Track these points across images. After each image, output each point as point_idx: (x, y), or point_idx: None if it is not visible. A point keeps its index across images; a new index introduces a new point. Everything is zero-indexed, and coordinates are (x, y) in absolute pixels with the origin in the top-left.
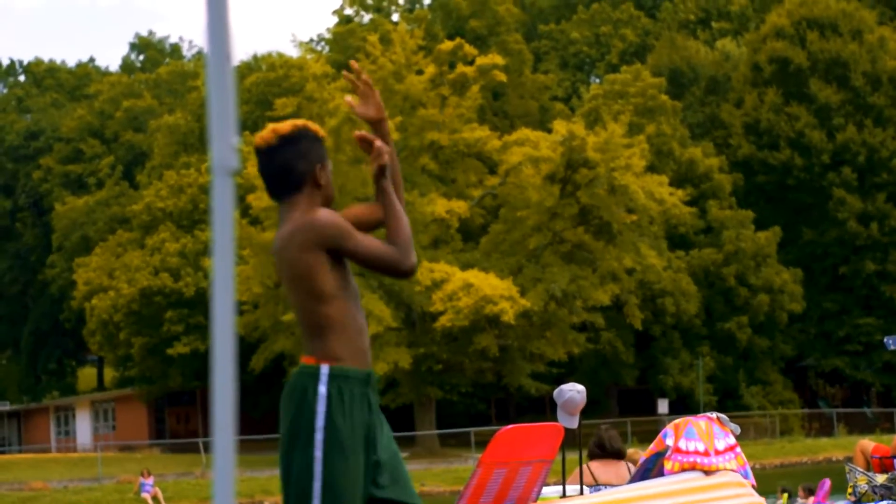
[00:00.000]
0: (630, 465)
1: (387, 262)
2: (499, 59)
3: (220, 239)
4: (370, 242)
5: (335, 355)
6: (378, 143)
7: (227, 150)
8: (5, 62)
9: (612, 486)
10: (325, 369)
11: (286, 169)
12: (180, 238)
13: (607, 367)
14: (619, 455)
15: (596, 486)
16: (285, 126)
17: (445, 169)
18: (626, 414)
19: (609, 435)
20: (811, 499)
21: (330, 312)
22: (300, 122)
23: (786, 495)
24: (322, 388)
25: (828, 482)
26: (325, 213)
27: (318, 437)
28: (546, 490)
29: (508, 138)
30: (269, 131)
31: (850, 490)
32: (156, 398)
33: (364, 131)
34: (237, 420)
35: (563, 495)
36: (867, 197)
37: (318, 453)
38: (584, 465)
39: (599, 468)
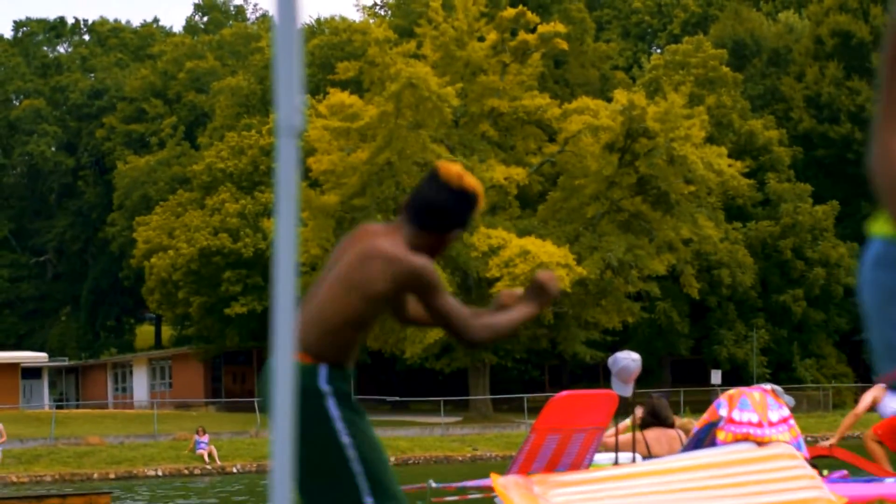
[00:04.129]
0: (682, 434)
1: (459, 325)
2: (561, 28)
3: (284, 199)
4: (452, 304)
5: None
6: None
7: (293, 111)
8: (70, 21)
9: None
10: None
11: (443, 213)
12: (240, 199)
13: (662, 336)
14: (670, 423)
15: (649, 456)
16: (473, 182)
17: (505, 136)
18: (679, 384)
19: (661, 403)
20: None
21: (357, 337)
22: (479, 187)
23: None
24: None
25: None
26: (425, 261)
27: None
28: (598, 457)
29: (568, 106)
30: (458, 174)
31: None
32: (212, 357)
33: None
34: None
35: (616, 463)
36: None
37: None
38: (639, 435)
39: (653, 438)
